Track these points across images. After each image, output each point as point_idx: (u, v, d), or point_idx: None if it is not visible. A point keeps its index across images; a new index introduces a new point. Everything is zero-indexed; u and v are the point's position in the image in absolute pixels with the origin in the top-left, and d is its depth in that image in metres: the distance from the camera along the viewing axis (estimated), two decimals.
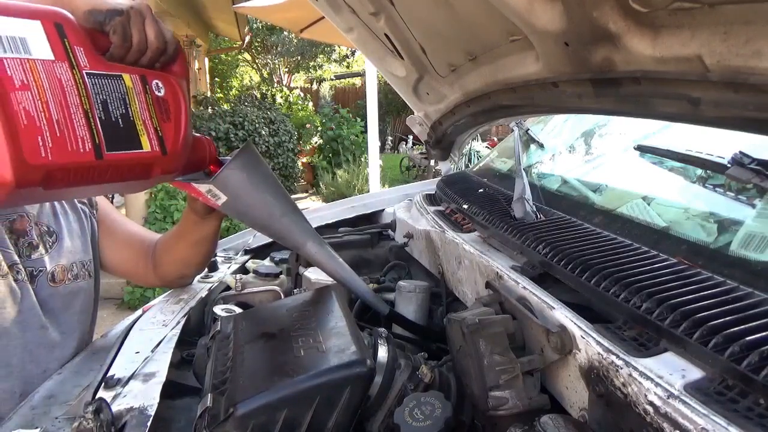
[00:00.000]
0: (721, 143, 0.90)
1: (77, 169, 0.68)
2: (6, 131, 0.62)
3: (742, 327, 0.55)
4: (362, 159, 8.33)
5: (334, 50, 13.94)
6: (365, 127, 6.89)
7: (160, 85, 0.79)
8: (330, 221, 1.69)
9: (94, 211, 1.15)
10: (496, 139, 8.76)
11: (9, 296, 0.90)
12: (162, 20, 0.81)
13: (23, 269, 0.94)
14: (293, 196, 1.20)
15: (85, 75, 0.70)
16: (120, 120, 0.73)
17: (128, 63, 0.77)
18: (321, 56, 13.99)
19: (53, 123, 0.65)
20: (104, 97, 0.72)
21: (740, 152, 0.83)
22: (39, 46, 0.66)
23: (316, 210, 1.84)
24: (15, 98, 0.63)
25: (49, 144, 0.65)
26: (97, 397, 0.74)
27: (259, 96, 9.80)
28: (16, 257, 0.93)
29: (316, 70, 15.03)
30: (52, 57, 0.67)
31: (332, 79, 16.04)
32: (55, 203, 1.07)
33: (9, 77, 0.63)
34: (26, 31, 0.65)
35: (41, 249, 0.98)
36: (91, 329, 1.11)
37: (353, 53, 14.77)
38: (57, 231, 1.03)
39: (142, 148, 0.75)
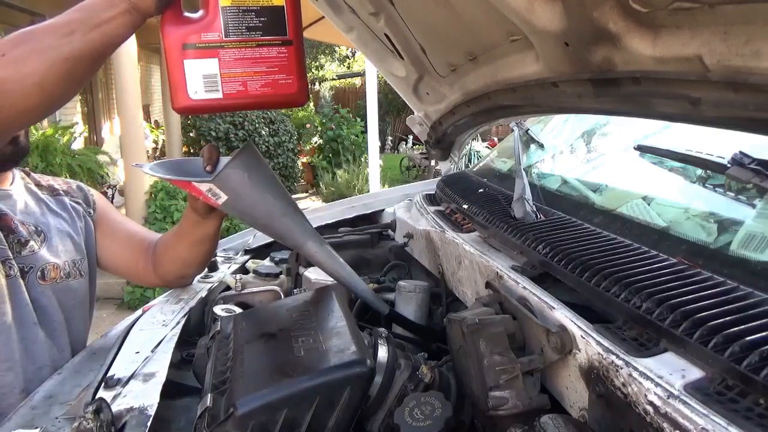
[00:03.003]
0: (721, 143, 0.90)
1: (301, 63, 0.89)
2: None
3: (742, 327, 0.55)
4: (362, 159, 8.33)
5: (335, 50, 13.94)
6: (365, 127, 6.89)
7: None
8: (330, 221, 1.68)
9: (91, 210, 1.15)
10: (496, 139, 8.75)
11: (6, 292, 0.90)
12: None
13: (15, 265, 0.94)
14: (293, 196, 1.20)
15: (224, 38, 0.84)
16: (257, 20, 0.85)
17: None
18: (322, 57, 13.99)
19: (270, 68, 0.87)
20: (239, 27, 0.84)
21: (740, 152, 0.83)
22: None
23: (316, 210, 1.84)
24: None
25: (282, 76, 0.87)
26: (97, 397, 0.74)
27: None
28: (9, 252, 0.93)
29: (318, 71, 15.02)
30: (215, 58, 0.84)
31: (334, 79, 16.05)
32: (43, 203, 1.07)
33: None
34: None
35: (30, 246, 0.98)
36: (86, 329, 1.11)
37: (353, 53, 14.78)
38: (45, 230, 1.03)
39: (285, 33, 0.88)
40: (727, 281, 0.66)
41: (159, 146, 8.37)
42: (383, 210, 1.75)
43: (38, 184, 1.12)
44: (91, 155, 5.23)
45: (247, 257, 1.46)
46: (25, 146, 1.04)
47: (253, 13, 0.85)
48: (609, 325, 0.66)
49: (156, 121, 9.41)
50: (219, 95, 0.84)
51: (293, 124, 8.35)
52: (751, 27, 0.51)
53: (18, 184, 1.07)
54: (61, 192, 1.13)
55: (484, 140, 8.53)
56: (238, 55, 0.84)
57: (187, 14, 0.84)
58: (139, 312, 1.08)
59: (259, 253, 1.52)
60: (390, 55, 1.37)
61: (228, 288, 1.24)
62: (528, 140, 1.51)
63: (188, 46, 0.83)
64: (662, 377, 0.54)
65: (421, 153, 9.35)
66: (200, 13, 0.85)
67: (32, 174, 1.14)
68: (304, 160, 8.88)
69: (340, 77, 16.18)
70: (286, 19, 0.87)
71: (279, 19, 0.86)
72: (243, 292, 1.18)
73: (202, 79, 0.83)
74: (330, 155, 9.00)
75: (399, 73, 1.40)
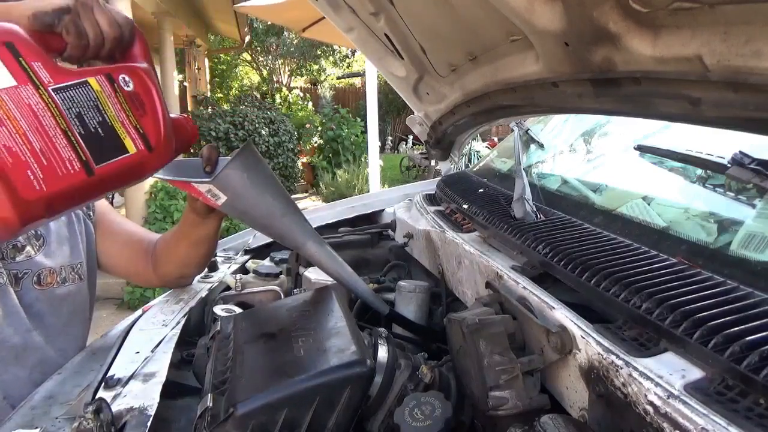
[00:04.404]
0: (721, 143, 0.90)
1: (73, 191, 0.67)
2: None
3: (742, 327, 0.55)
4: (362, 159, 8.33)
5: (335, 50, 13.95)
6: (365, 127, 6.89)
7: (128, 79, 0.75)
8: (330, 221, 1.68)
9: (90, 213, 1.14)
10: (496, 139, 8.76)
11: None
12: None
13: (5, 272, 0.93)
14: (293, 196, 1.20)
15: (52, 92, 0.66)
16: (99, 129, 0.70)
17: (88, 59, 0.72)
18: (323, 59, 14.01)
19: (37, 153, 0.63)
20: (77, 109, 0.68)
21: (740, 152, 0.83)
22: None
23: (316, 210, 1.84)
24: None
25: (40, 175, 0.63)
26: (97, 397, 0.74)
27: (258, 96, 9.82)
28: None
29: (320, 73, 15.04)
30: (14, 82, 0.63)
31: (337, 79, 16.06)
32: None
33: None
34: None
35: (27, 252, 0.97)
36: (85, 331, 1.11)
37: (353, 53, 14.79)
38: (45, 234, 1.02)
39: (128, 152, 0.73)
40: (727, 281, 0.66)
41: None
42: (383, 210, 1.75)
43: None
44: None
45: (247, 257, 1.46)
46: None
47: (99, 117, 0.70)
48: (609, 325, 0.66)
49: None
50: None
51: (293, 124, 8.36)
52: (751, 27, 0.51)
53: None
54: None
55: (484, 140, 8.53)
56: (35, 108, 0.64)
57: (59, 62, 0.69)
58: (139, 312, 1.08)
59: (259, 253, 1.52)
60: (390, 55, 1.37)
61: (228, 288, 1.24)
62: (528, 140, 1.51)
63: (9, 45, 0.63)
64: (662, 377, 0.54)
65: (421, 153, 9.36)
66: (70, 68, 0.70)
67: None
68: (304, 160, 8.88)
69: (340, 77, 16.20)
70: (115, 161, 0.71)
71: (112, 150, 0.71)
72: (243, 292, 1.18)
73: None
74: (330, 155, 9.00)
75: (399, 73, 1.41)
